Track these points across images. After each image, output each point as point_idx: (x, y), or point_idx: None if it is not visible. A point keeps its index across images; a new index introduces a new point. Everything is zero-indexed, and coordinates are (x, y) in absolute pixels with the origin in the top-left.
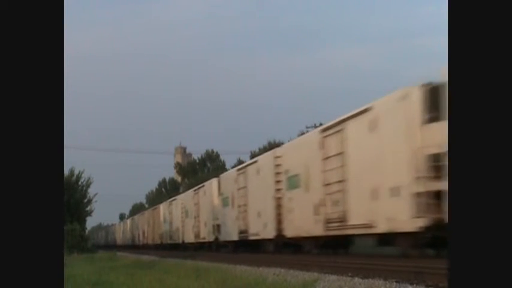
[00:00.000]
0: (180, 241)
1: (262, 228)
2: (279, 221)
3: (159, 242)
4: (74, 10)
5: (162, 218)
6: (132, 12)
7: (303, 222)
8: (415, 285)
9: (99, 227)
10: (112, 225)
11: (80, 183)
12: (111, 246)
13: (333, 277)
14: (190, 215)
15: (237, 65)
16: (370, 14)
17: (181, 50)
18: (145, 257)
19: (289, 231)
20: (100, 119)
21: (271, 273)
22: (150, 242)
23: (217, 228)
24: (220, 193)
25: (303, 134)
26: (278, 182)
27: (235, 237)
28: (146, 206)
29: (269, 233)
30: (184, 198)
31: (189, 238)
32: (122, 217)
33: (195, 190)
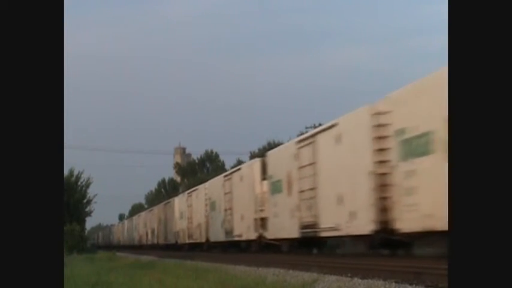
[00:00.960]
0: (203, 240)
1: (347, 220)
2: (382, 209)
3: (173, 241)
4: (74, 10)
5: (177, 214)
6: (132, 12)
7: (442, 209)
8: (414, 285)
9: (99, 227)
10: (112, 225)
11: (79, 183)
12: (114, 247)
13: (332, 277)
14: (218, 207)
15: (237, 65)
16: (370, 14)
17: (181, 50)
18: (144, 257)
19: (407, 223)
20: (100, 119)
21: (270, 273)
22: (161, 241)
23: (261, 222)
24: (266, 176)
25: (302, 134)
26: (381, 150)
27: (293, 233)
28: (146, 206)
29: (361, 226)
30: (210, 187)
31: (217, 236)
32: (121, 217)
33: (225, 176)
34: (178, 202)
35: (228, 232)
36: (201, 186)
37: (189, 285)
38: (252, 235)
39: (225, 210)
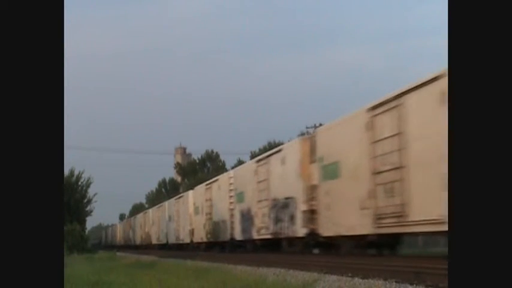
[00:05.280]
0: None
1: None
2: None
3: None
4: (73, 10)
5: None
6: (132, 11)
7: None
8: (415, 285)
9: (99, 227)
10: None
11: (79, 183)
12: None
13: (333, 277)
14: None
15: (237, 66)
16: (373, 13)
17: (181, 50)
18: (145, 257)
19: None
20: (100, 119)
21: (271, 273)
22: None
23: (310, 215)
24: (315, 158)
25: (303, 134)
26: None
27: (362, 228)
28: (146, 206)
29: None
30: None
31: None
32: (122, 217)
33: (258, 161)
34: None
35: (259, 228)
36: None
37: (190, 285)
38: (299, 231)
39: (259, 201)
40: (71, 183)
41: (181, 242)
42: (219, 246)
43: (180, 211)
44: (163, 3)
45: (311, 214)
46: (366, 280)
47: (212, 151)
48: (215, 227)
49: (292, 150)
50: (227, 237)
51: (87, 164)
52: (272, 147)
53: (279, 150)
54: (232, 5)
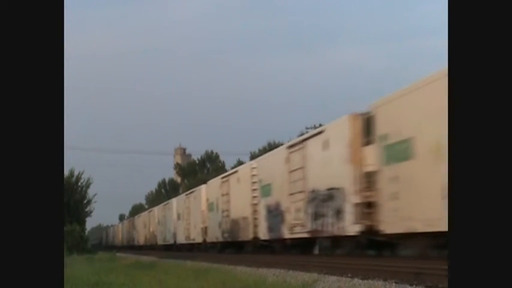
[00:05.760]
0: None
1: None
2: None
3: None
4: (74, 10)
5: None
6: (132, 11)
7: None
8: (414, 286)
9: (99, 227)
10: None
11: (79, 183)
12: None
13: (333, 278)
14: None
15: (238, 65)
16: (373, 13)
17: (181, 50)
18: (145, 258)
19: None
20: (100, 119)
21: (270, 273)
22: None
23: (366, 209)
24: (374, 138)
25: (302, 134)
26: None
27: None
28: (146, 206)
29: None
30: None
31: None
32: (121, 218)
33: (290, 147)
34: None
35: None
36: None
37: (190, 286)
38: (349, 229)
39: (291, 194)
40: (70, 184)
41: (192, 242)
42: (237, 247)
43: (191, 208)
44: (163, 3)
45: (366, 207)
46: (366, 281)
47: (212, 152)
48: (233, 225)
49: (339, 131)
50: (249, 236)
51: (87, 164)
52: (272, 147)
53: (320, 132)
54: (232, 4)
